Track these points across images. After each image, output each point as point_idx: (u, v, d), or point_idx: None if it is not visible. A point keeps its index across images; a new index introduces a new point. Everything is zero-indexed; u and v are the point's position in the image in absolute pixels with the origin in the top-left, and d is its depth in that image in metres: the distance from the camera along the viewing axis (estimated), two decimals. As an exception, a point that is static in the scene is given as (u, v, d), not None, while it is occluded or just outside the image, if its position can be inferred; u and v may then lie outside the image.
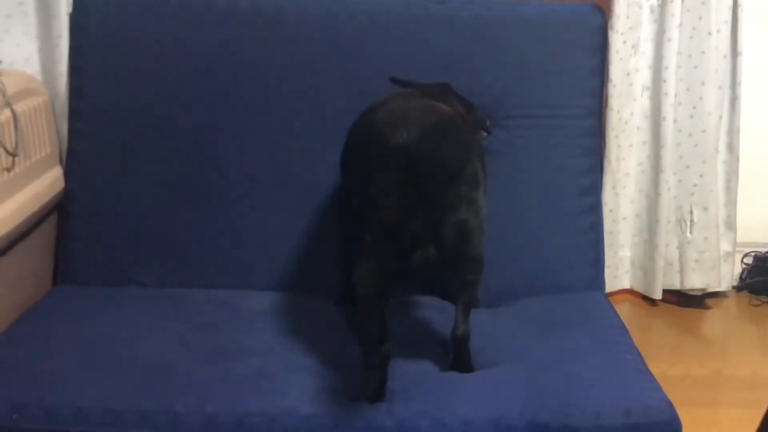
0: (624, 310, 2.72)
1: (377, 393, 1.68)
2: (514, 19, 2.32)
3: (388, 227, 1.64)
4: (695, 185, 2.66)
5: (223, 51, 2.28)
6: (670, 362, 2.41)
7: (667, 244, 2.70)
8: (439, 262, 1.73)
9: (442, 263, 1.74)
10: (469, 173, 1.71)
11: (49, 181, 2.23)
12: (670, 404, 1.66)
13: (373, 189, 1.65)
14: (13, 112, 2.07)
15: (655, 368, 1.82)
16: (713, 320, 2.76)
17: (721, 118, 2.65)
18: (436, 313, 2.05)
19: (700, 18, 2.54)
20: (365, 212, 1.69)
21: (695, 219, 2.69)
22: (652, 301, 2.75)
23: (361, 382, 1.71)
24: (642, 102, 2.65)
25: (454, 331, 1.80)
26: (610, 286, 2.73)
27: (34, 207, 2.14)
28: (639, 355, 1.86)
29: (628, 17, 2.53)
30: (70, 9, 2.31)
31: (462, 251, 1.73)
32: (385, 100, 1.91)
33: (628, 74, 2.58)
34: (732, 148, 2.69)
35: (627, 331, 1.98)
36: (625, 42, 2.53)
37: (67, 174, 2.28)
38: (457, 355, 1.81)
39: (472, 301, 1.82)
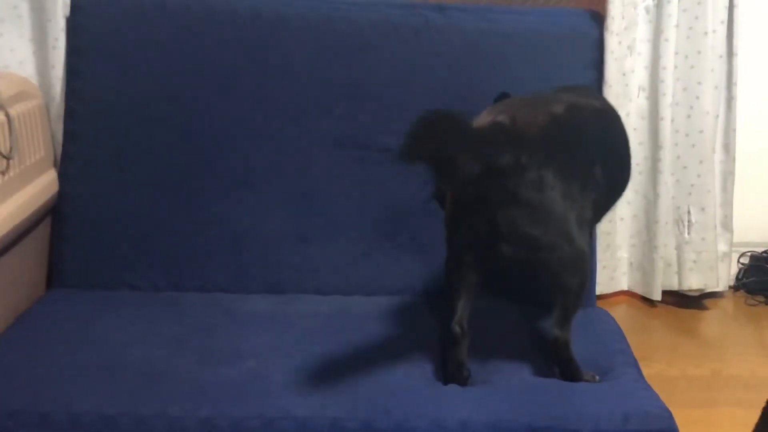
0: (621, 312, 2.72)
1: (453, 373, 1.75)
2: (512, 28, 2.33)
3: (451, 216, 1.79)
4: (692, 186, 2.66)
5: (220, 54, 2.28)
6: (667, 363, 2.41)
7: (666, 244, 2.70)
8: (515, 262, 1.72)
9: (526, 267, 1.73)
10: (531, 178, 1.67)
11: (43, 185, 2.22)
12: (669, 412, 1.65)
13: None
14: (7, 115, 2.06)
15: (652, 369, 1.83)
16: (710, 320, 2.76)
17: (717, 117, 2.65)
18: (434, 312, 2.04)
19: (696, 18, 2.54)
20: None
21: (693, 219, 2.69)
22: (650, 302, 2.75)
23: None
24: (638, 103, 2.65)
25: (549, 334, 1.78)
26: (608, 287, 2.73)
27: (28, 211, 2.13)
28: (635, 361, 1.87)
29: (623, 18, 2.52)
30: (66, 12, 2.30)
31: (535, 252, 1.70)
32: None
33: (624, 75, 2.58)
34: (728, 148, 2.69)
35: (624, 337, 1.98)
36: (620, 43, 2.52)
37: (62, 177, 2.27)
38: (557, 363, 1.77)
39: (569, 306, 1.77)
